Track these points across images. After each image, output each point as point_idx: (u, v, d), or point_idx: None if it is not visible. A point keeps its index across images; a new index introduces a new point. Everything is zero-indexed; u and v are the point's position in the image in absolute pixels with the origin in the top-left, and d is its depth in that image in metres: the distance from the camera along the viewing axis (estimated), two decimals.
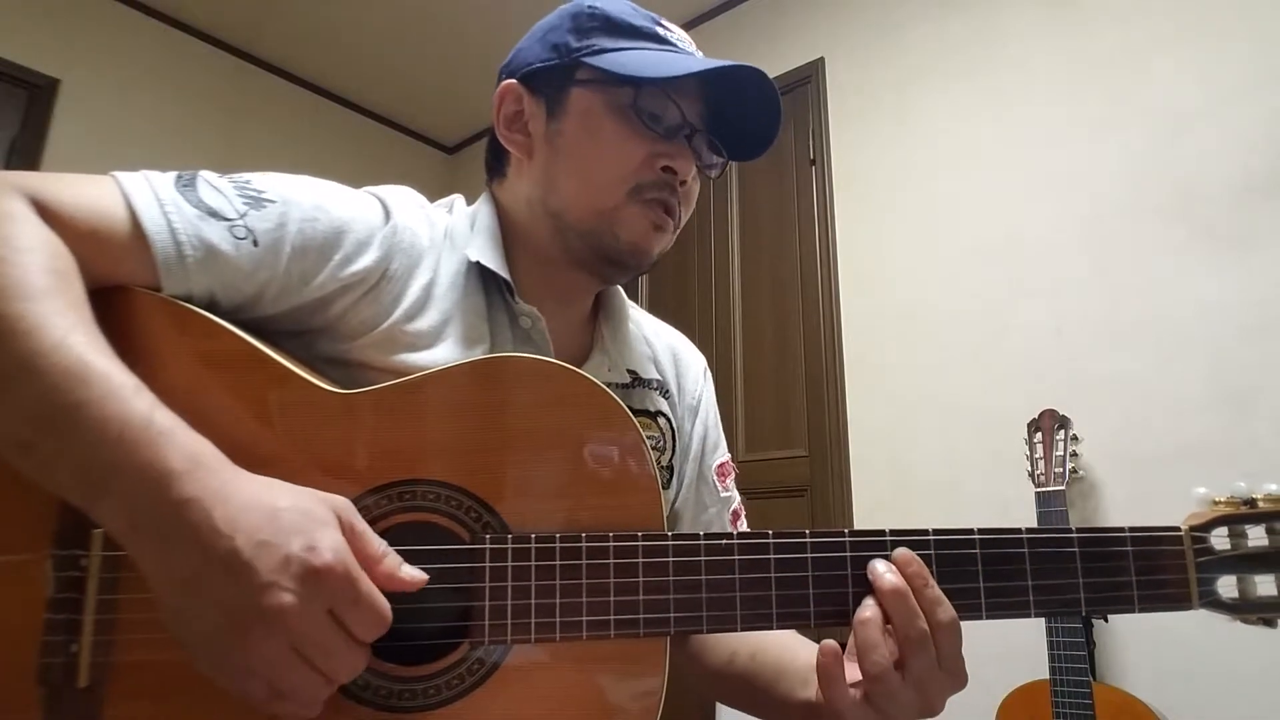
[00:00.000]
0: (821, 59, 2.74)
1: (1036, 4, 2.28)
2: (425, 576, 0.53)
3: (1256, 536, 0.58)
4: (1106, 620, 1.80)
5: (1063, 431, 1.80)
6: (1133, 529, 0.59)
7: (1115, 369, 1.95)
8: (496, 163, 0.79)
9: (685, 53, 0.73)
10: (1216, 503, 0.60)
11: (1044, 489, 1.75)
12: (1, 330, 0.48)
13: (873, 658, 0.55)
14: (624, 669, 0.57)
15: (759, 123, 0.74)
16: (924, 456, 2.23)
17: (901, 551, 0.57)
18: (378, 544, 0.52)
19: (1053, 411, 1.84)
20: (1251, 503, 0.59)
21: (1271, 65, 1.86)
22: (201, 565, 0.46)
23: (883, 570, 0.57)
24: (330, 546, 0.48)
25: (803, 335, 2.57)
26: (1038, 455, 1.80)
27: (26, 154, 2.73)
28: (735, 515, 0.87)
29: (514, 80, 0.74)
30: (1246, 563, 0.58)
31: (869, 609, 0.56)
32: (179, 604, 0.47)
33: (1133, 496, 1.86)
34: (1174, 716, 1.61)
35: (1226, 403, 1.78)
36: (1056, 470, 1.75)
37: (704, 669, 0.81)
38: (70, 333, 0.49)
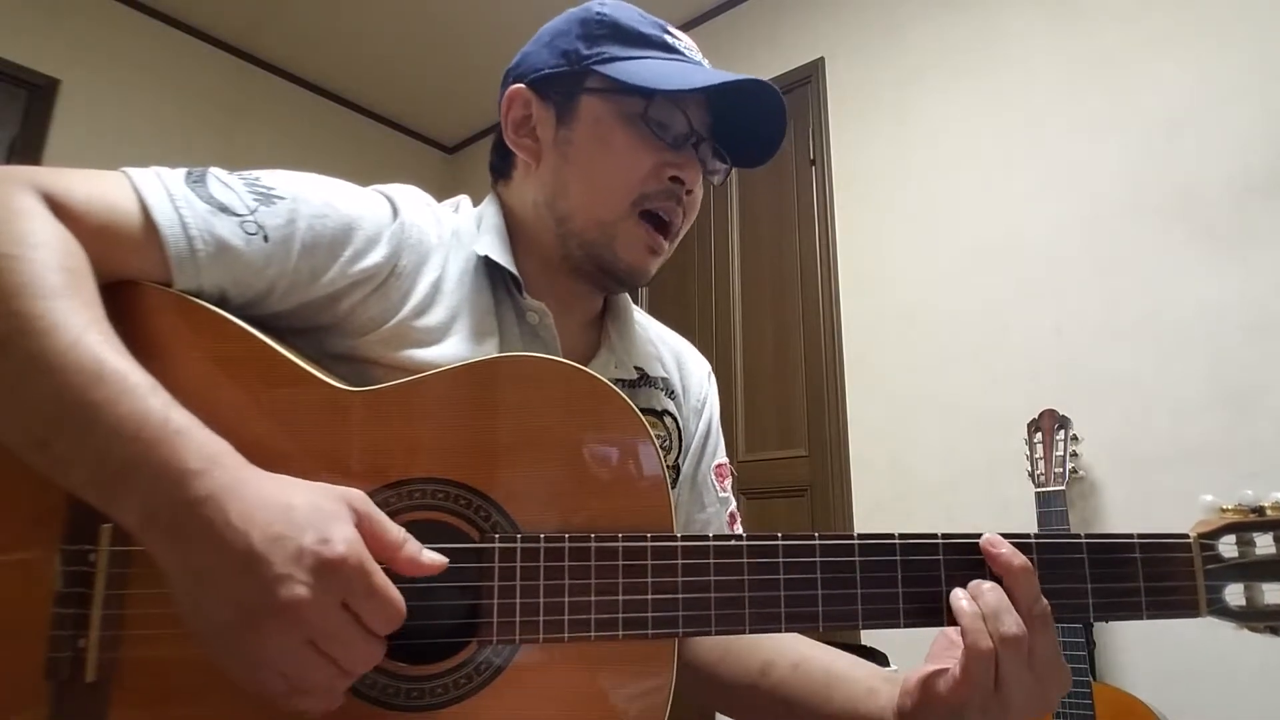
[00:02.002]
0: (821, 59, 2.74)
1: (1036, 4, 2.28)
2: (446, 560, 0.53)
3: (1264, 544, 0.58)
4: (1107, 620, 1.80)
5: (1063, 431, 1.80)
6: (1141, 535, 0.59)
7: (1115, 369, 1.95)
8: (502, 164, 0.80)
9: (693, 61, 0.73)
10: (1224, 510, 0.60)
11: (1044, 489, 1.75)
12: (17, 329, 0.48)
13: (1007, 621, 0.55)
14: (631, 670, 0.57)
15: (764, 131, 0.75)
16: (924, 456, 2.23)
17: (997, 538, 0.58)
18: (396, 531, 0.52)
19: (1053, 411, 1.85)
20: (1260, 510, 0.59)
21: (1271, 65, 1.86)
22: (216, 560, 0.46)
23: (1009, 552, 0.57)
24: (343, 539, 0.47)
25: (803, 335, 2.58)
26: (1038, 455, 1.80)
27: (26, 154, 2.73)
28: (732, 518, 0.87)
29: (523, 85, 0.75)
30: (1254, 570, 0.58)
31: (984, 583, 0.56)
32: (195, 599, 0.47)
33: (1133, 496, 1.86)
34: (1174, 716, 1.61)
35: (1227, 403, 1.78)
36: (1056, 470, 1.76)
37: (725, 682, 0.76)
38: (85, 331, 0.49)
